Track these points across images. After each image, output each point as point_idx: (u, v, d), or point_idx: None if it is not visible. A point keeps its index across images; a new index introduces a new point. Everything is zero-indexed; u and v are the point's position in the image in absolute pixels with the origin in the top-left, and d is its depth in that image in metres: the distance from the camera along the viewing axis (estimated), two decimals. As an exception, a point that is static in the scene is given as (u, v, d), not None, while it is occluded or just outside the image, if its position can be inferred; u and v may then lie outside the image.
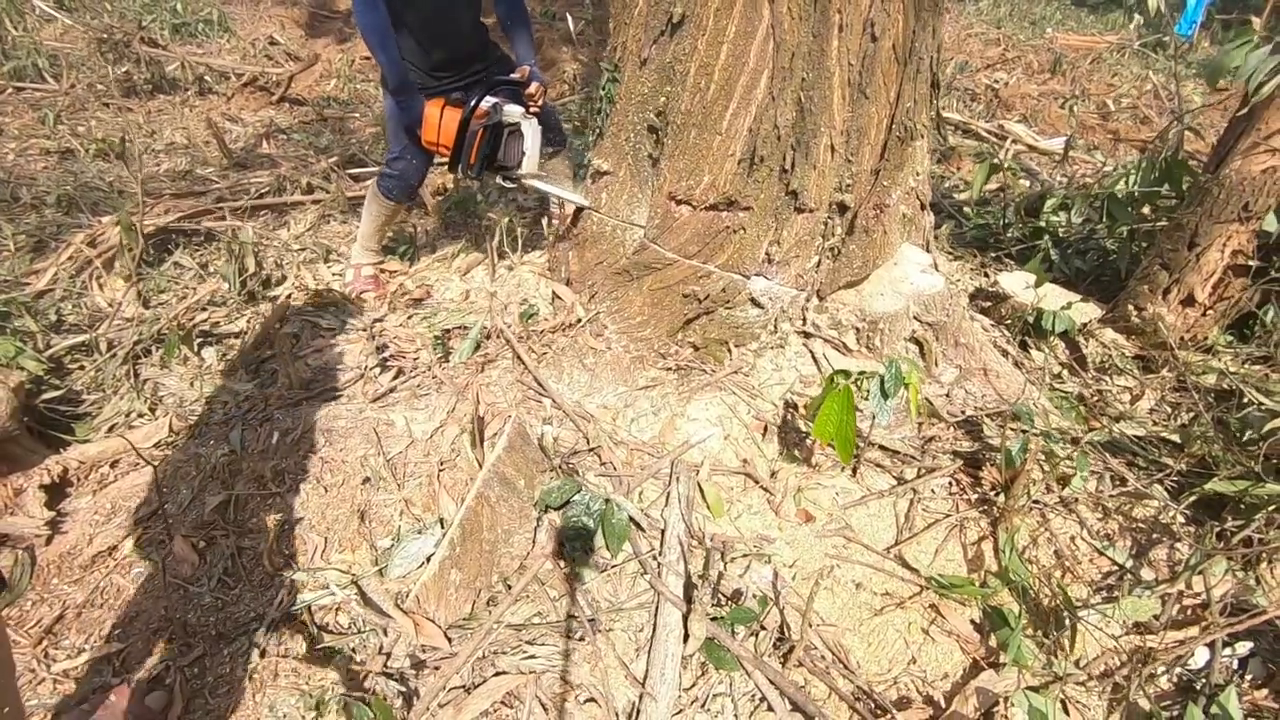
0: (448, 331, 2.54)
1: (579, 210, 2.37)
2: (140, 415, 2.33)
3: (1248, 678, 1.51)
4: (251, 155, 5.06)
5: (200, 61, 6.43)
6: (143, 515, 1.92)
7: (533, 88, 2.68)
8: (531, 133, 2.37)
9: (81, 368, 2.57)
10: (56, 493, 2.02)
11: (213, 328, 2.80)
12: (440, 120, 2.40)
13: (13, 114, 5.30)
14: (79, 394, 2.45)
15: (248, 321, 2.84)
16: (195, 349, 2.60)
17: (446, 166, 2.44)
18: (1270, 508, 1.62)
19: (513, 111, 2.37)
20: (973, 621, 1.66)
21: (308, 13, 8.32)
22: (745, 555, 1.75)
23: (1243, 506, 1.71)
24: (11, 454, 2.04)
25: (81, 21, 6.85)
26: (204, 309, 2.90)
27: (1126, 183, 2.79)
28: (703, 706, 1.47)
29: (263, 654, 1.61)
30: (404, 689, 1.49)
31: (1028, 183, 4.24)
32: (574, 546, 1.73)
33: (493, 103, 2.34)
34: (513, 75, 2.67)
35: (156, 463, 1.99)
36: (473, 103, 2.30)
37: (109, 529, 1.89)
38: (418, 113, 2.46)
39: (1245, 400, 1.95)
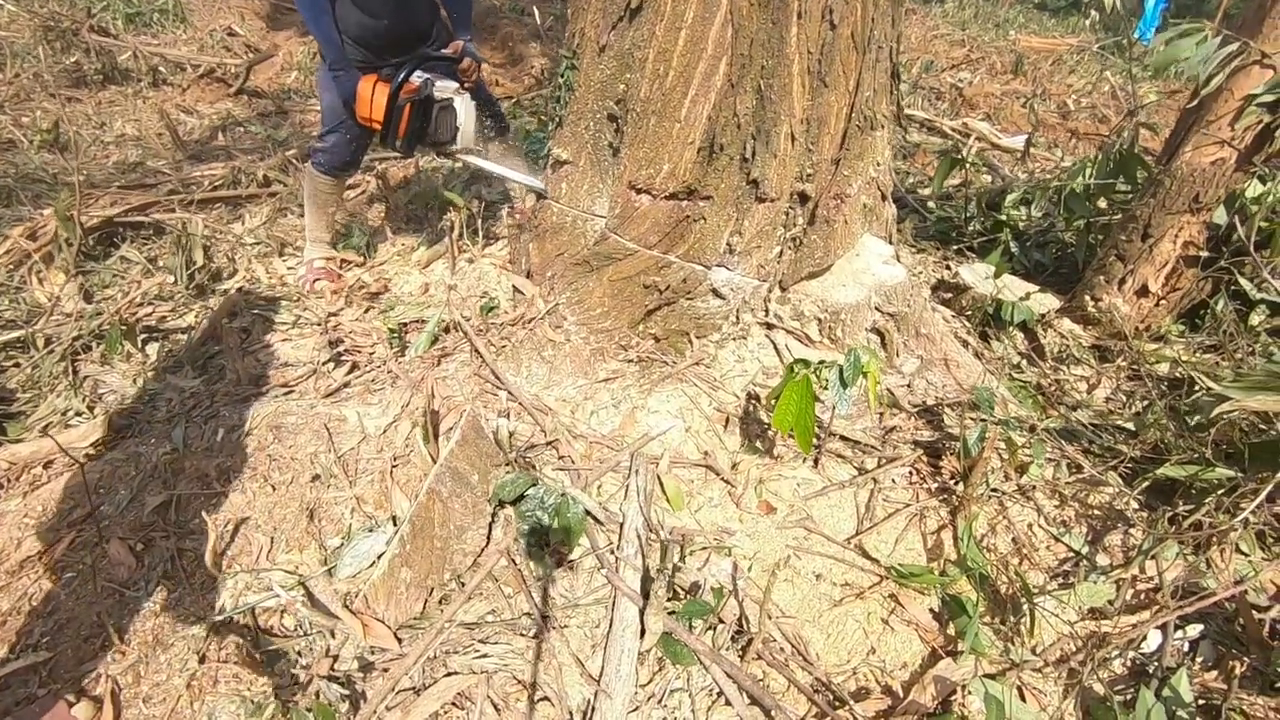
0: (405, 325, 2.48)
1: (539, 200, 2.33)
2: (78, 414, 2.22)
3: (1198, 660, 1.52)
4: (206, 148, 4.91)
5: (155, 52, 6.22)
6: (76, 518, 1.83)
7: (465, 63, 2.66)
8: (464, 108, 2.37)
9: (16, 365, 2.45)
10: (-16, 495, 1.92)
11: (159, 323, 2.69)
12: (372, 95, 2.37)
13: (-48, 104, 5.07)
14: (12, 392, 2.33)
15: (195, 316, 2.74)
16: (139, 344, 2.49)
17: (379, 140, 2.43)
18: (1219, 491, 1.64)
19: (445, 86, 2.38)
20: (932, 610, 1.65)
21: (269, 4, 8.12)
22: (704, 548, 1.72)
23: (1193, 491, 1.73)
24: (-65, 455, 1.93)
25: (27, 8, 6.58)
26: (149, 303, 2.79)
27: (1083, 176, 2.83)
28: (660, 702, 1.43)
29: (202, 659, 1.54)
30: (349, 692, 1.44)
31: (989, 178, 4.29)
32: (530, 542, 1.68)
33: (424, 78, 2.34)
34: (444, 51, 2.64)
35: (87, 463, 1.90)
36: (400, 76, 2.31)
37: (40, 532, 1.79)
38: (351, 88, 2.42)
39: (1196, 387, 1.97)
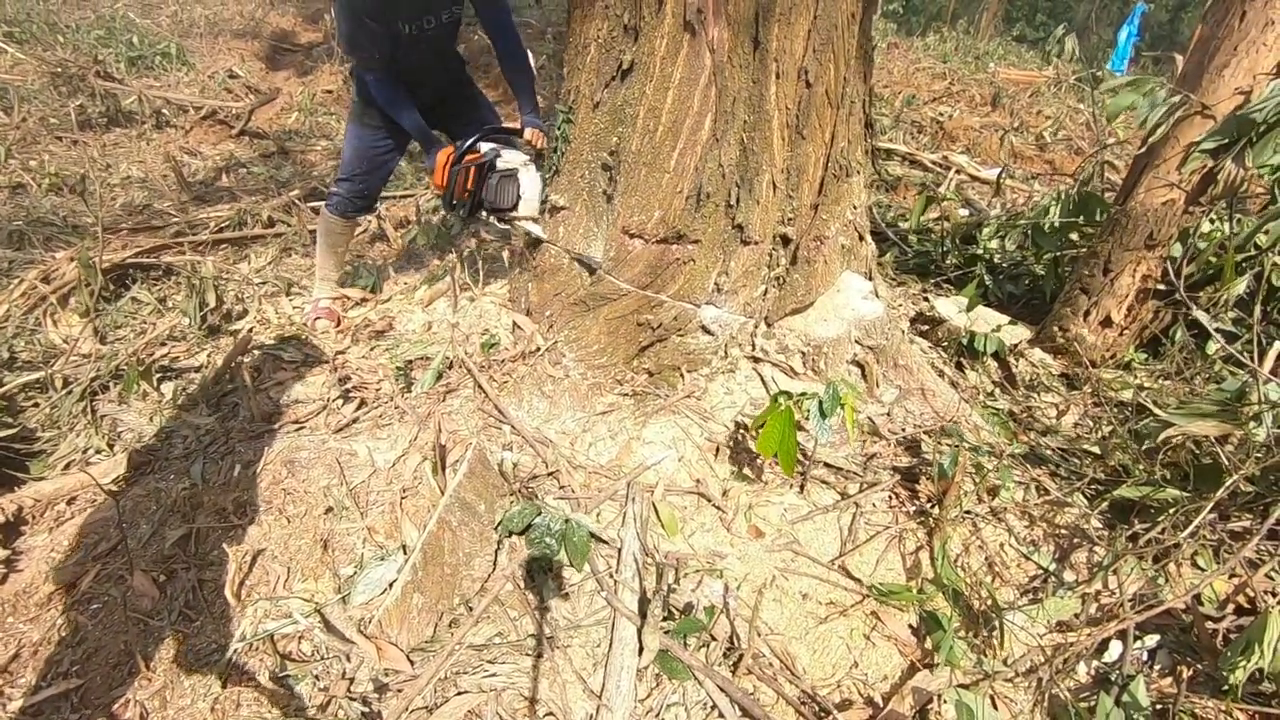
0: (410, 362, 2.60)
1: (536, 241, 2.47)
2: (98, 451, 2.33)
3: (1156, 668, 1.64)
4: (210, 189, 5.06)
5: (158, 95, 6.41)
6: (101, 551, 1.93)
7: (528, 133, 2.72)
8: (529, 178, 2.43)
9: (35, 405, 2.55)
10: (11, 531, 2.02)
11: (172, 362, 2.81)
12: (443, 164, 2.48)
13: (-39, 148, 5.21)
14: (33, 432, 2.44)
15: (208, 356, 2.86)
16: (155, 384, 2.60)
17: (442, 206, 2.53)
18: (1171, 510, 1.77)
19: (512, 157, 2.44)
20: (910, 626, 1.76)
21: (268, 45, 8.36)
22: (698, 571, 1.84)
23: (1150, 510, 1.86)
24: (-35, 493, 2.03)
25: (33, 54, 6.78)
26: (163, 344, 2.91)
27: (1050, 213, 3.00)
28: (657, 716, 1.54)
29: (224, 684, 1.63)
30: (366, 710, 1.53)
31: (966, 211, 4.48)
32: (539, 568, 1.79)
33: (490, 147, 2.42)
34: (507, 124, 2.73)
35: (110, 499, 2.00)
36: (464, 145, 2.42)
37: (66, 566, 1.89)
38: (434, 163, 2.54)
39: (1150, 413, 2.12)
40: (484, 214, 2.51)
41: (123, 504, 2.04)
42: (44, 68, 6.41)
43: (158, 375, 2.66)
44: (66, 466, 2.27)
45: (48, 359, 2.79)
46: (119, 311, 3.18)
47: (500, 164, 2.45)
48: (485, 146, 2.47)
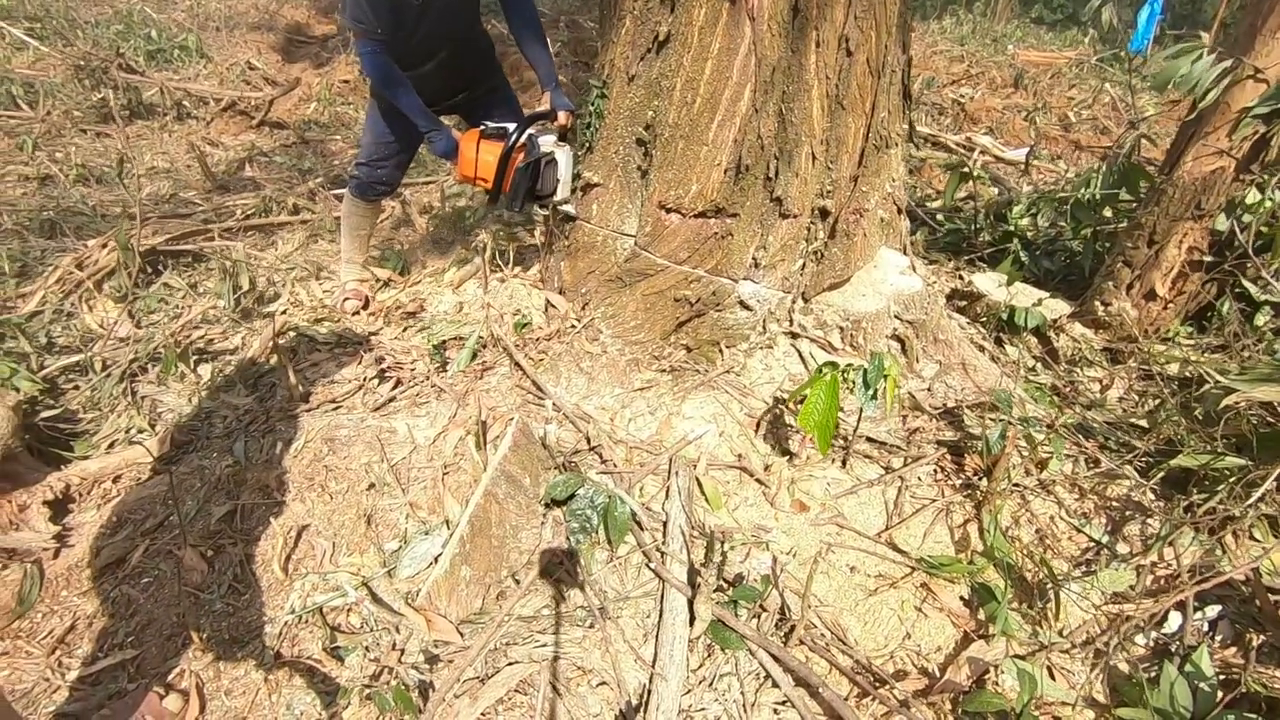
0: (444, 342, 2.59)
1: (568, 219, 2.45)
2: (140, 431, 2.35)
3: (1218, 639, 1.61)
4: (234, 178, 5.08)
5: (178, 87, 6.44)
6: (149, 527, 1.94)
7: (562, 118, 2.65)
8: (565, 160, 2.38)
9: (76, 387, 2.58)
10: (60, 508, 2.04)
11: (207, 345, 2.83)
12: (476, 155, 2.42)
13: (-11, 141, 5.27)
14: (75, 413, 2.46)
15: (242, 338, 2.87)
16: (192, 365, 2.62)
17: (487, 199, 2.47)
18: (1231, 480, 1.73)
19: (547, 142, 2.39)
20: (961, 598, 1.74)
21: (283, 38, 8.38)
22: (744, 544, 1.82)
23: (1206, 481, 1.82)
24: (13, 472, 2.05)
25: (55, 49, 6.83)
26: (197, 327, 2.93)
27: (1089, 187, 2.94)
28: (710, 686, 1.53)
29: (277, 655, 1.64)
30: (422, 678, 1.53)
31: (995, 190, 4.42)
32: (579, 540, 1.79)
33: (528, 134, 2.36)
34: (540, 109, 2.64)
35: (152, 477, 2.02)
36: (512, 140, 2.33)
37: (116, 541, 1.91)
38: (447, 147, 2.49)
39: (1205, 385, 2.07)
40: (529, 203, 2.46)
41: (166, 482, 2.05)
42: (67, 62, 6.45)
43: (194, 357, 2.68)
44: (110, 446, 2.29)
45: (85, 343, 2.82)
46: (152, 296, 3.20)
47: (543, 151, 2.36)
48: (524, 135, 2.38)
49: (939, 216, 3.78)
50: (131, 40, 7.44)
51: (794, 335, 2.37)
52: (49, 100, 5.97)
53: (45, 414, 2.33)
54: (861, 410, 1.98)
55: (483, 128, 2.49)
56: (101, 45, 7.03)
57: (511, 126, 2.41)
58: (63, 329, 2.96)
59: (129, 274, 3.03)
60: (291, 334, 2.75)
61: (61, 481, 2.07)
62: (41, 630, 1.70)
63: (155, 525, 1.95)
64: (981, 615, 1.68)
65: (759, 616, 1.64)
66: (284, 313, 2.94)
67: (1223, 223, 2.42)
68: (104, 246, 3.35)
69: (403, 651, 1.63)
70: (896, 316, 2.41)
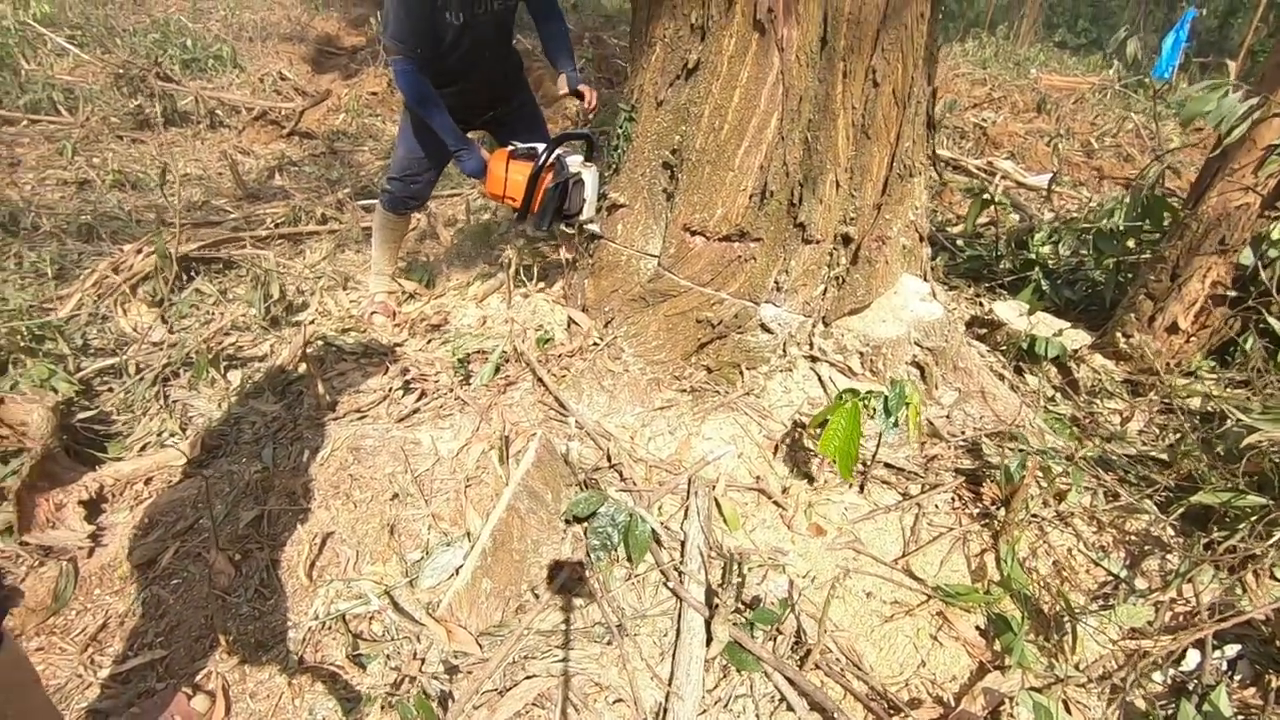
0: (468, 355, 2.64)
1: (593, 238, 2.49)
2: (172, 434, 2.41)
3: (1236, 678, 1.60)
4: (264, 187, 5.20)
5: (213, 96, 6.60)
6: (179, 529, 1.99)
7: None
8: (591, 180, 2.42)
9: (110, 390, 2.65)
10: (94, 508, 2.10)
11: (237, 351, 2.90)
12: (506, 174, 2.47)
13: (30, 145, 5.43)
14: (109, 415, 2.53)
15: (271, 346, 2.94)
16: (222, 371, 2.68)
17: (516, 218, 2.51)
18: (1252, 518, 1.73)
19: (574, 162, 2.44)
20: (977, 628, 1.75)
21: (314, 49, 8.56)
22: (761, 566, 1.84)
23: (1227, 518, 1.82)
24: (51, 471, 2.11)
25: (95, 56, 7.03)
26: (228, 333, 3.00)
27: (1112, 218, 2.95)
28: (725, 707, 1.54)
29: (301, 660, 1.68)
30: (443, 688, 1.56)
31: (1017, 217, 4.42)
32: (599, 556, 1.81)
33: (556, 155, 2.41)
34: (569, 130, 2.70)
35: (195, 478, 2.07)
36: (541, 160, 2.37)
37: (148, 542, 1.96)
38: (476, 167, 2.54)
39: (1227, 420, 2.07)
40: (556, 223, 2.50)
41: (197, 485, 2.10)
42: (107, 69, 6.63)
43: (224, 363, 2.75)
44: (143, 448, 2.35)
45: (119, 346, 2.90)
46: (184, 302, 3.28)
47: (571, 172, 2.42)
48: (553, 155, 2.42)
49: (959, 242, 3.79)
50: (168, 49, 7.64)
51: (814, 359, 2.39)
52: (88, 106, 6.15)
53: (81, 415, 2.39)
54: (881, 436, 2.00)
55: (512, 148, 2.55)
56: (139, 53, 7.22)
57: (540, 147, 2.46)
58: (98, 332, 3.04)
59: (165, 280, 3.11)
60: (319, 343, 2.81)
61: (96, 482, 2.13)
62: (75, 627, 1.75)
63: (186, 528, 2.00)
64: (998, 646, 1.68)
65: (775, 639, 1.65)
66: (312, 322, 3.01)
67: (1248, 257, 2.42)
68: (139, 251, 3.44)
69: (423, 661, 1.66)
70: (916, 343, 2.43)
